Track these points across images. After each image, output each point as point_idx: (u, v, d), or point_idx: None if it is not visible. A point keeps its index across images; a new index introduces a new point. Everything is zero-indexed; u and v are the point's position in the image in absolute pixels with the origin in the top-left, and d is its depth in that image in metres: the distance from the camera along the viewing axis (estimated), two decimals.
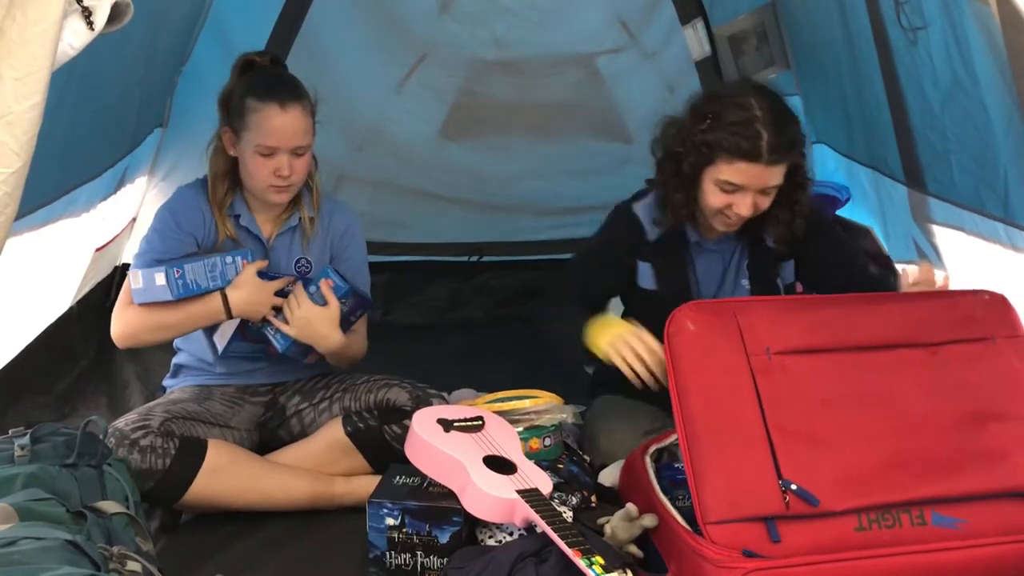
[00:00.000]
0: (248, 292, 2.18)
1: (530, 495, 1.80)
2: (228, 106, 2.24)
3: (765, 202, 2.10)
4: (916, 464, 1.72)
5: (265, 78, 2.26)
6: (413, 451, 1.96)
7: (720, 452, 1.70)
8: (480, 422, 2.03)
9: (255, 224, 2.31)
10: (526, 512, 1.76)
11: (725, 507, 1.66)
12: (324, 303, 2.20)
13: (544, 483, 1.87)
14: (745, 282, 2.30)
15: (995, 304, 1.93)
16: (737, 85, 2.15)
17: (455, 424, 2.00)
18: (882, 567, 1.64)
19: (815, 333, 1.84)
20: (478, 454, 1.91)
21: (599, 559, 1.60)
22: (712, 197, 2.09)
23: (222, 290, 2.18)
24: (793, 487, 1.66)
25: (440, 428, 1.97)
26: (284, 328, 2.20)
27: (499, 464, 1.90)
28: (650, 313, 2.08)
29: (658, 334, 1.92)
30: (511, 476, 1.86)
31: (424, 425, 1.97)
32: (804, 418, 1.74)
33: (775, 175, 2.05)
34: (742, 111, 2.02)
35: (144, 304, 2.15)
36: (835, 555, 1.63)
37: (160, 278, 2.09)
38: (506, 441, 1.99)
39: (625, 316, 2.39)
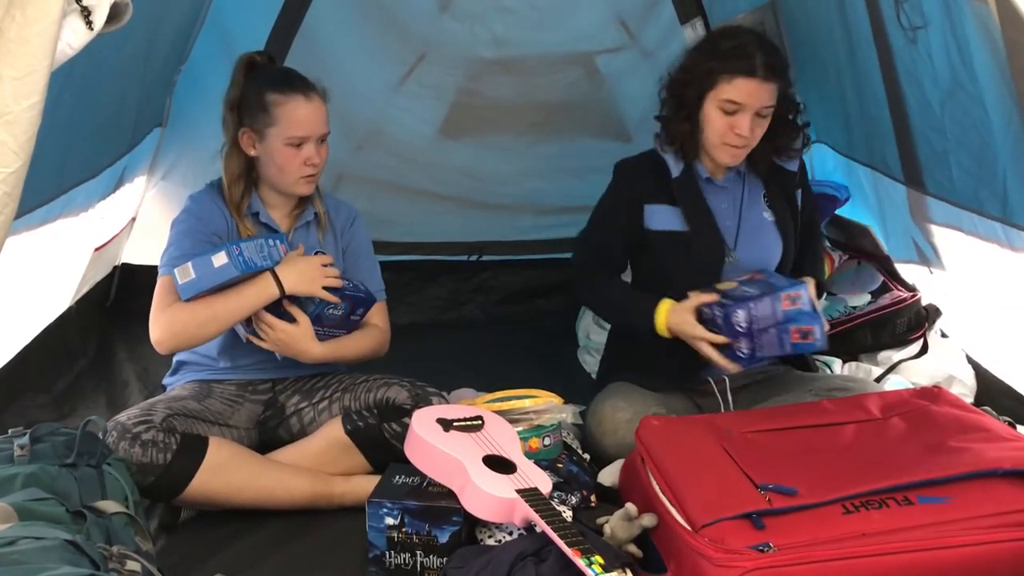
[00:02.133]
0: (299, 267, 2.18)
1: (529, 495, 1.80)
2: (241, 107, 2.26)
3: (760, 128, 2.23)
4: (889, 465, 1.80)
5: (277, 73, 2.32)
6: (412, 450, 1.96)
7: (697, 479, 1.81)
8: (479, 422, 2.03)
9: (273, 221, 2.34)
10: (525, 511, 1.76)
11: (710, 511, 1.70)
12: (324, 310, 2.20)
13: (544, 483, 1.87)
14: (768, 215, 2.37)
15: (927, 390, 2.13)
16: (727, 24, 2.46)
17: (454, 424, 2.00)
18: (881, 565, 1.64)
19: (771, 422, 2.03)
20: (477, 453, 1.91)
21: (598, 558, 1.60)
22: (715, 122, 2.22)
23: (271, 269, 2.16)
24: (770, 486, 1.73)
25: (439, 427, 1.98)
26: (262, 344, 2.20)
27: (499, 464, 1.90)
28: (677, 255, 2.31)
29: (684, 279, 2.27)
30: (511, 475, 1.86)
31: (423, 425, 1.97)
32: (773, 459, 1.86)
33: (770, 93, 2.20)
34: (736, 38, 2.25)
35: (192, 297, 2.10)
36: (834, 550, 1.63)
37: (220, 258, 2.07)
38: (506, 440, 1.99)
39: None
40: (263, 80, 2.27)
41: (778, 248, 2.35)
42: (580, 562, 1.59)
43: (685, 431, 2.01)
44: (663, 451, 1.93)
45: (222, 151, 2.32)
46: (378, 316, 2.44)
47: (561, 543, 1.64)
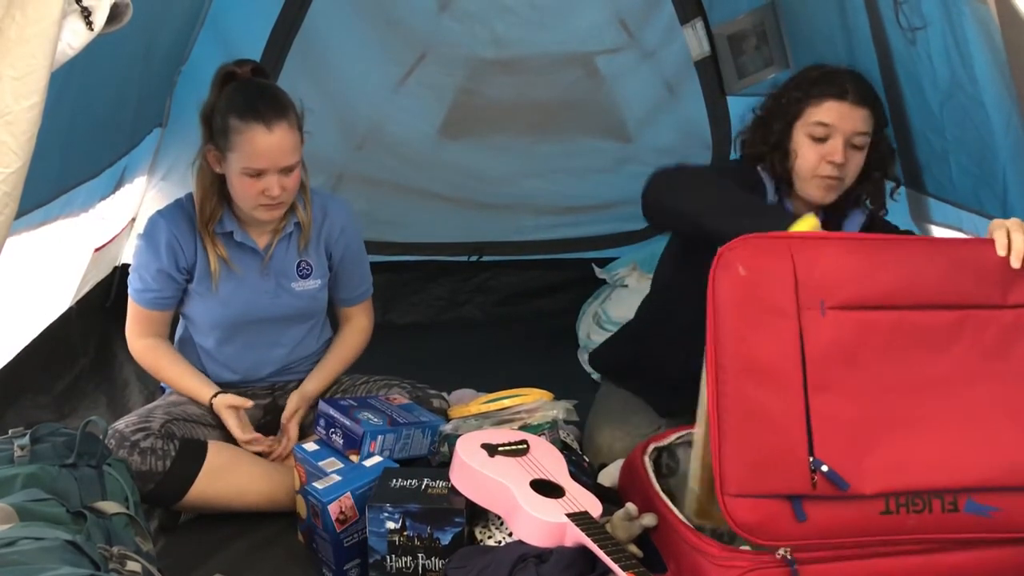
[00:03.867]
0: (231, 421, 2.22)
1: (580, 518, 1.78)
2: (211, 123, 2.16)
3: (855, 161, 2.13)
4: (963, 453, 1.62)
5: (247, 94, 2.16)
6: (458, 477, 1.93)
7: (749, 421, 1.59)
8: (525, 446, 2.01)
9: (249, 238, 2.27)
10: (577, 536, 1.74)
11: (747, 481, 1.58)
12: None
13: (593, 506, 1.85)
14: None
15: None
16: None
17: (500, 448, 1.98)
18: (882, 567, 1.64)
19: (878, 284, 1.66)
20: (525, 478, 1.89)
21: None
22: (806, 152, 2.13)
23: (217, 394, 2.24)
24: (824, 468, 1.57)
25: (485, 453, 1.95)
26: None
27: (546, 488, 1.88)
28: None
29: None
30: (560, 499, 1.84)
31: (468, 451, 1.95)
32: (848, 396, 1.62)
33: (862, 119, 2.12)
34: (822, 69, 2.19)
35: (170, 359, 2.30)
36: (831, 551, 1.63)
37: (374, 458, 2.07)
38: (552, 464, 1.97)
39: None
40: (231, 100, 2.14)
41: None
42: None
43: (763, 315, 1.63)
44: (732, 344, 1.62)
45: (192, 164, 2.24)
46: (363, 314, 2.46)
47: (616, 567, 1.63)
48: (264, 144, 2.09)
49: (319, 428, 2.13)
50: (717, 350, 1.62)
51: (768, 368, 1.61)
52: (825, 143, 2.12)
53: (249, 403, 2.26)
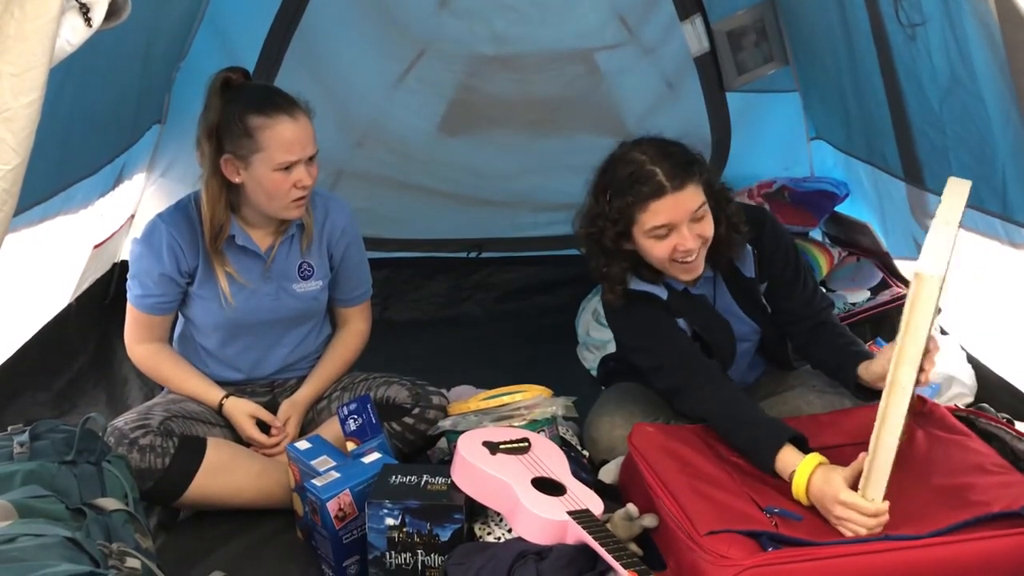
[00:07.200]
0: (237, 419, 2.25)
1: (581, 516, 1.78)
2: (221, 133, 2.11)
3: (705, 227, 2.04)
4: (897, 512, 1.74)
5: (258, 93, 2.16)
6: (460, 475, 1.93)
7: (701, 493, 1.81)
8: (526, 443, 2.01)
9: (251, 241, 2.25)
10: (578, 533, 1.75)
11: (715, 520, 1.71)
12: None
13: (595, 503, 1.85)
14: (746, 319, 2.22)
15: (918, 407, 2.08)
16: (617, 149, 2.14)
17: (501, 446, 1.98)
18: (881, 562, 1.65)
19: None
20: (526, 476, 1.89)
21: None
22: (656, 250, 2.04)
23: (227, 396, 2.26)
24: (776, 510, 1.76)
25: (486, 451, 1.95)
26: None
27: (548, 485, 1.89)
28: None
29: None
30: (561, 497, 1.85)
31: (470, 448, 1.95)
32: (778, 483, 1.86)
33: (691, 197, 2.01)
34: (629, 164, 2.05)
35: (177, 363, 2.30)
36: (832, 548, 1.65)
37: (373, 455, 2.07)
38: (554, 462, 1.98)
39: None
40: (243, 102, 2.11)
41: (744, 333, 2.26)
42: None
43: (681, 443, 1.99)
44: (661, 461, 1.92)
45: (199, 180, 2.20)
46: (360, 316, 2.44)
47: (616, 564, 1.63)
48: (293, 134, 2.10)
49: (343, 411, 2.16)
50: (652, 463, 1.94)
51: (701, 468, 1.92)
52: (669, 237, 2.02)
53: (278, 422, 2.27)
